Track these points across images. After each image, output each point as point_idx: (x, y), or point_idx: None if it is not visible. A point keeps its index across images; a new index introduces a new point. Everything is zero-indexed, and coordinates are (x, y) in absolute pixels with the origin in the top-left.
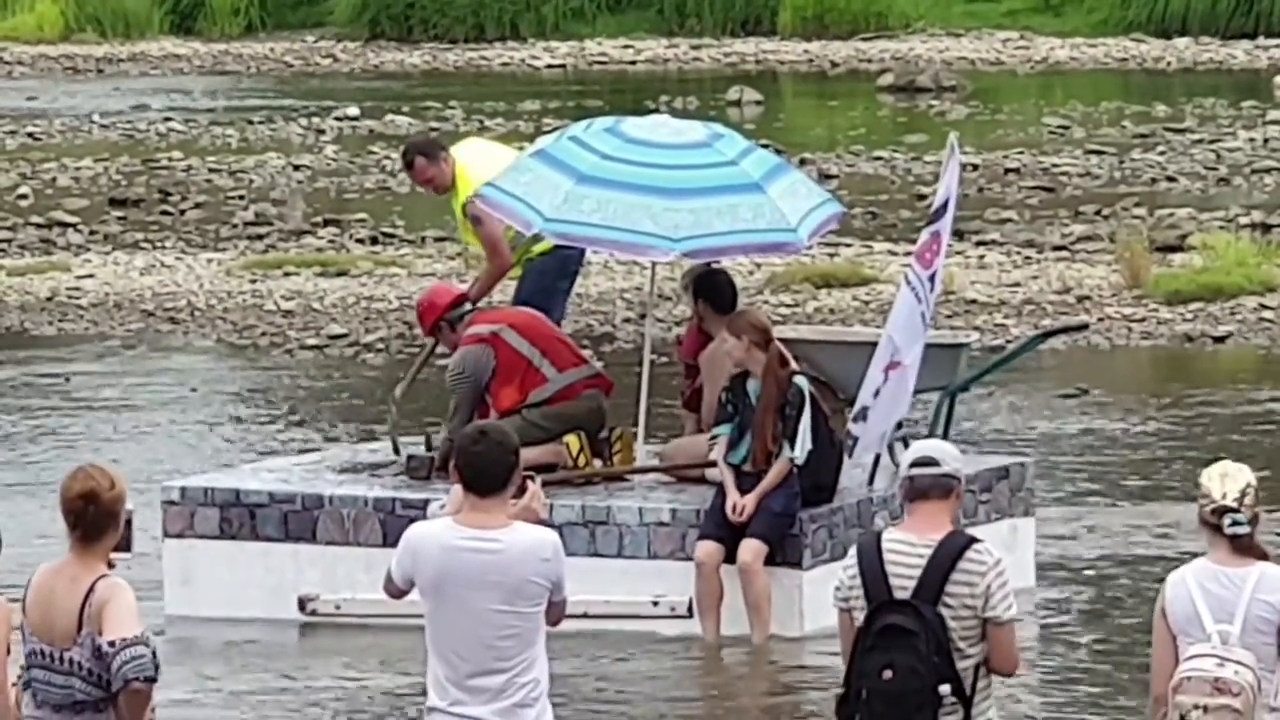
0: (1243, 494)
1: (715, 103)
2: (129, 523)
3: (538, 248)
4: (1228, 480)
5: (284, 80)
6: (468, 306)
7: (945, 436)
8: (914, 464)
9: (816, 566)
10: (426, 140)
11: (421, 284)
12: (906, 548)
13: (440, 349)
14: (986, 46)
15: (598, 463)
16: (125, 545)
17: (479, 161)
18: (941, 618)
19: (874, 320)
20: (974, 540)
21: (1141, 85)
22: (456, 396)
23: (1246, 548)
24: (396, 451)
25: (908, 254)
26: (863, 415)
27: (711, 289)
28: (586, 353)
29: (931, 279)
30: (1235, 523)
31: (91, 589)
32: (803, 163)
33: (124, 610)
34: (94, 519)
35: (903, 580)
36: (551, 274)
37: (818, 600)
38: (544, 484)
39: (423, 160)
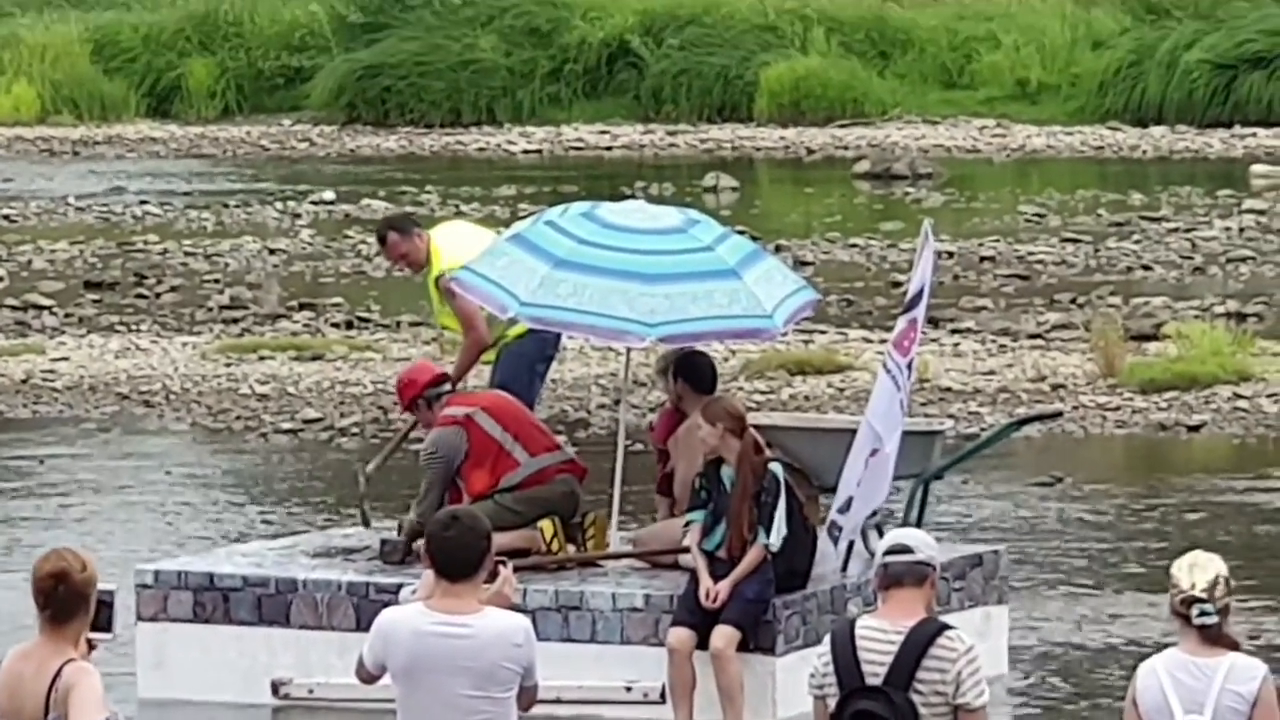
0: (1212, 585)
1: (691, 189)
2: (111, 603)
3: (513, 331)
4: (1197, 571)
5: (260, 164)
6: (447, 386)
7: (919, 524)
8: (888, 551)
9: (790, 653)
10: (400, 216)
11: (397, 368)
12: (879, 634)
13: (417, 430)
14: (963, 134)
15: (571, 548)
16: (106, 625)
17: (455, 241)
18: (913, 704)
19: (849, 407)
20: (946, 627)
21: (1118, 173)
22: (428, 477)
23: (1217, 638)
24: (366, 524)
25: (883, 341)
26: (846, 505)
27: (691, 369)
28: (561, 438)
29: (909, 366)
30: (1203, 613)
31: (59, 673)
32: (778, 249)
33: (90, 695)
34: (64, 600)
35: (875, 667)
36: (528, 358)
37: (791, 687)
38: (517, 569)
39: (395, 235)
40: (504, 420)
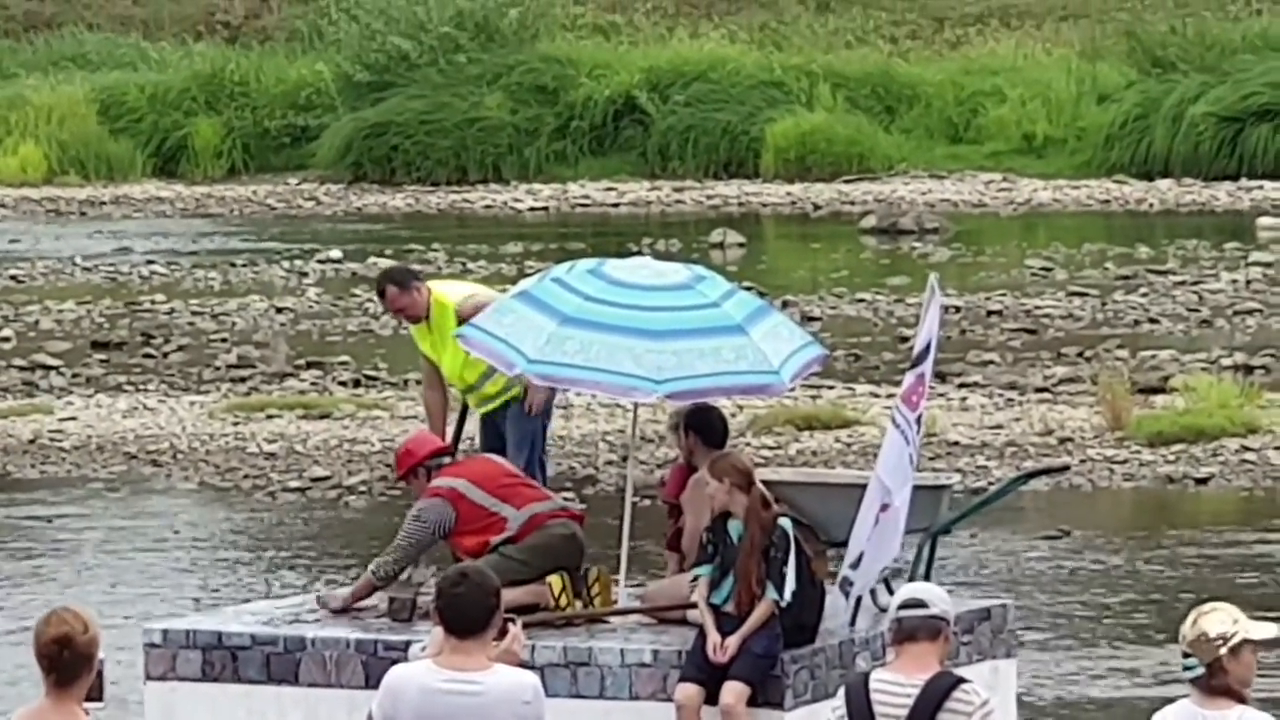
0: (1198, 638)
1: (698, 245)
2: (100, 672)
3: (516, 389)
4: (1190, 624)
5: (266, 223)
6: (446, 459)
7: (927, 578)
8: (902, 605)
9: (798, 707)
10: (399, 269)
11: (405, 426)
12: (894, 688)
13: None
14: (969, 188)
15: (579, 604)
16: (98, 695)
17: (456, 289)
18: None
19: (856, 463)
20: (961, 680)
21: (1124, 227)
22: (404, 538)
23: (1223, 690)
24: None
25: (890, 396)
26: (858, 561)
27: (703, 423)
28: (569, 494)
29: (918, 421)
30: (1187, 667)
31: None
32: (785, 305)
33: None
34: (69, 663)
35: None
36: (544, 421)
37: None
38: (525, 625)
39: (394, 289)
40: (489, 487)
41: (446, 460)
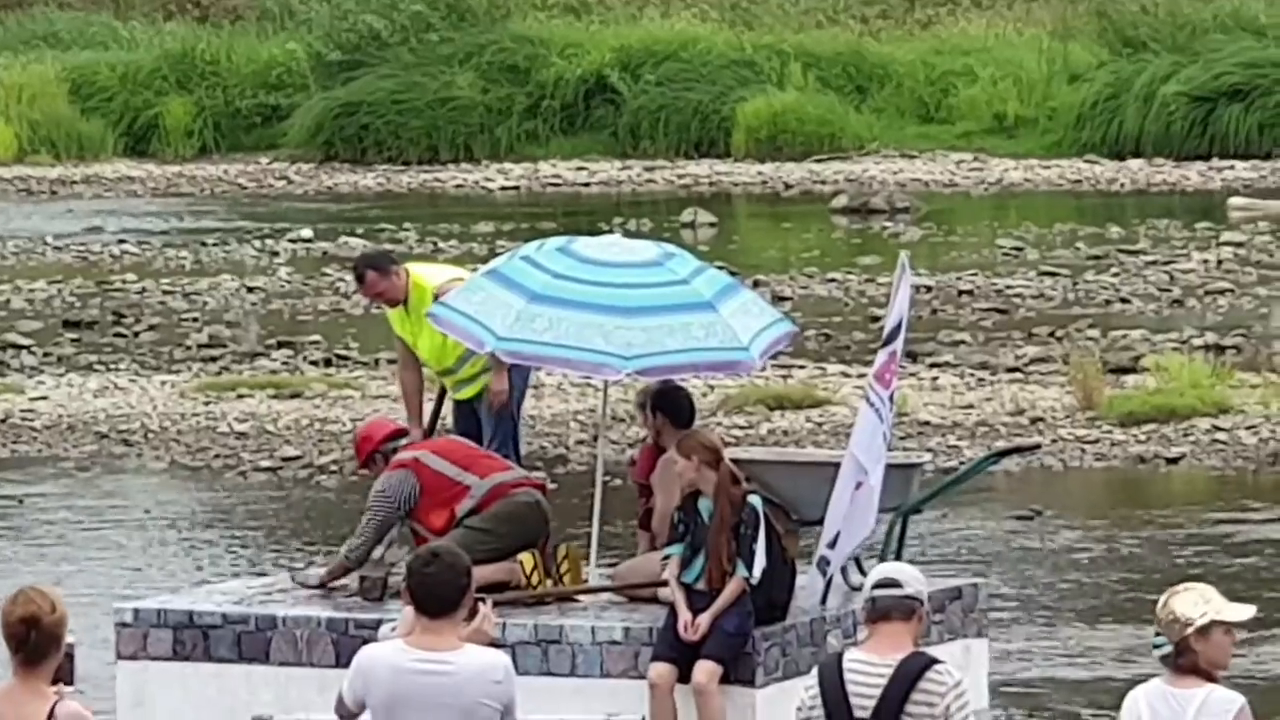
0: (1168, 618)
1: (669, 224)
2: (70, 655)
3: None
4: (1162, 604)
5: (238, 202)
6: (404, 440)
7: (898, 558)
8: (876, 585)
9: (770, 685)
10: (377, 252)
11: (376, 406)
12: (867, 668)
13: None
14: (940, 168)
15: (550, 582)
16: (69, 678)
17: (435, 272)
18: None
19: (828, 442)
20: (935, 661)
21: (1095, 207)
22: (369, 516)
23: (1191, 669)
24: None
25: (861, 375)
26: (834, 540)
27: (669, 404)
28: (540, 474)
29: (890, 399)
30: (1156, 645)
31: (51, 714)
32: (756, 284)
33: None
34: (36, 643)
35: (863, 700)
36: (515, 394)
37: (771, 719)
38: (496, 603)
39: (374, 274)
40: (452, 457)
41: (403, 442)
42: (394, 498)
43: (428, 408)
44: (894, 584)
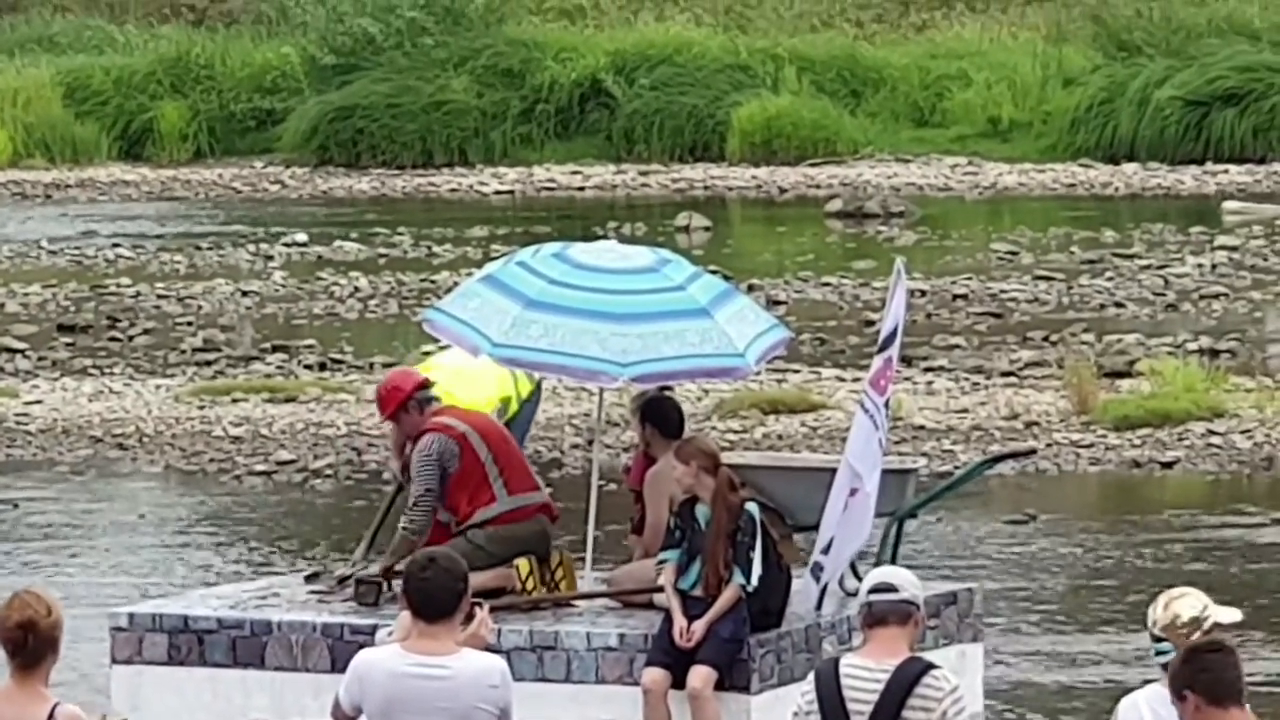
0: (1171, 623)
1: (664, 228)
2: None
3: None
4: (1161, 608)
5: (232, 206)
6: (434, 390)
7: (893, 562)
8: (873, 590)
9: (764, 691)
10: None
11: (370, 410)
12: (864, 673)
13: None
14: (935, 172)
15: (545, 588)
16: None
17: (457, 387)
18: None
19: (822, 446)
20: (931, 666)
21: (1090, 211)
22: (420, 482)
23: None
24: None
25: (856, 380)
26: (828, 546)
27: (658, 414)
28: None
29: (885, 405)
30: (1159, 652)
31: (51, 716)
32: (751, 289)
33: None
34: (33, 648)
35: (860, 705)
36: (534, 406)
37: None
38: (492, 609)
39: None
40: (493, 446)
41: (433, 392)
42: (441, 459)
43: None
44: (890, 589)
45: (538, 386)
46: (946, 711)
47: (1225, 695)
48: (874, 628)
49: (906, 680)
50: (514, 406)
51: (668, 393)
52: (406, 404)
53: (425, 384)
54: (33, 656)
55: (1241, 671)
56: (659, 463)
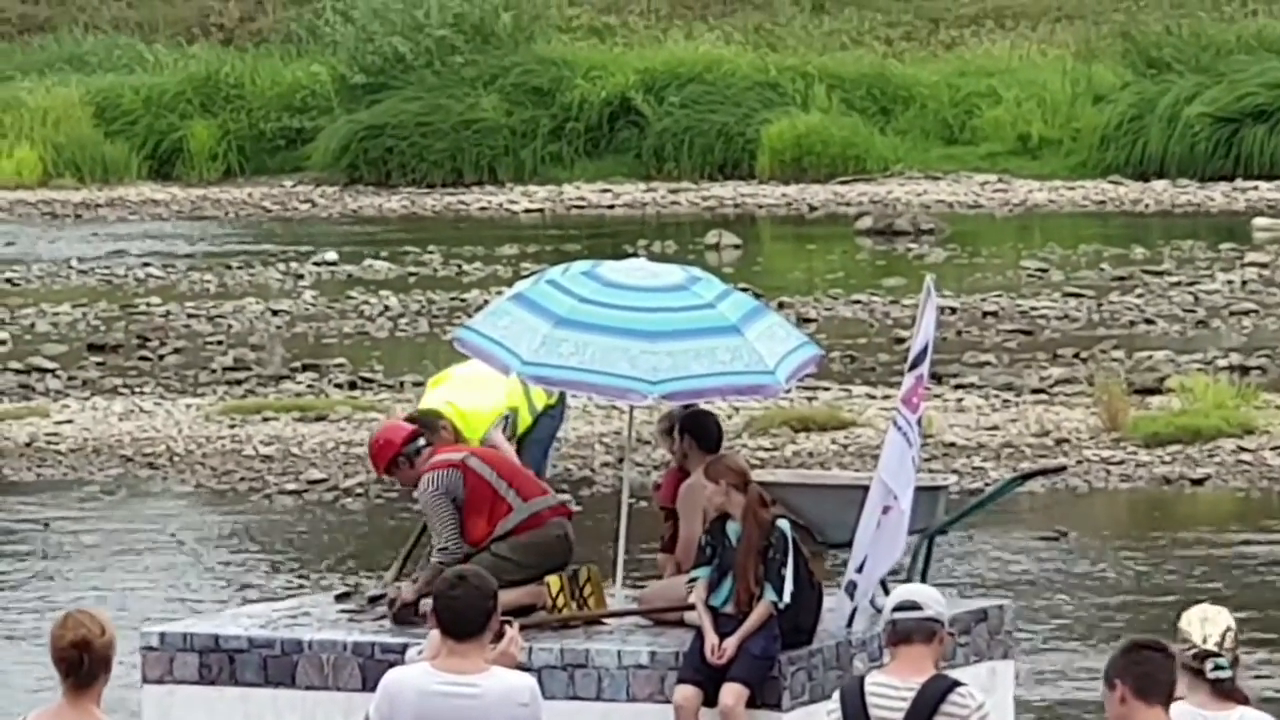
0: (1224, 637)
1: (694, 246)
2: None
3: (544, 401)
4: (1208, 624)
5: (262, 225)
6: (423, 441)
7: (924, 579)
8: (897, 608)
9: (795, 708)
10: (421, 416)
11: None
12: (890, 691)
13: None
14: (964, 189)
15: (574, 605)
16: None
17: (462, 395)
18: None
19: (853, 464)
20: (957, 684)
21: (1120, 228)
22: (437, 517)
23: (1228, 692)
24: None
25: (886, 397)
26: (861, 565)
27: (697, 427)
28: (565, 496)
29: (918, 422)
30: (1218, 667)
31: None
32: (781, 306)
33: None
34: (89, 668)
35: None
36: (557, 420)
37: None
38: (522, 627)
39: (425, 434)
40: (495, 466)
41: (423, 443)
42: (445, 491)
43: None
44: (914, 606)
45: (560, 401)
46: None
47: (1152, 692)
48: (899, 645)
49: (933, 699)
50: (526, 418)
51: (704, 407)
52: (397, 459)
53: (415, 435)
54: (88, 677)
55: (1175, 679)
56: (693, 475)
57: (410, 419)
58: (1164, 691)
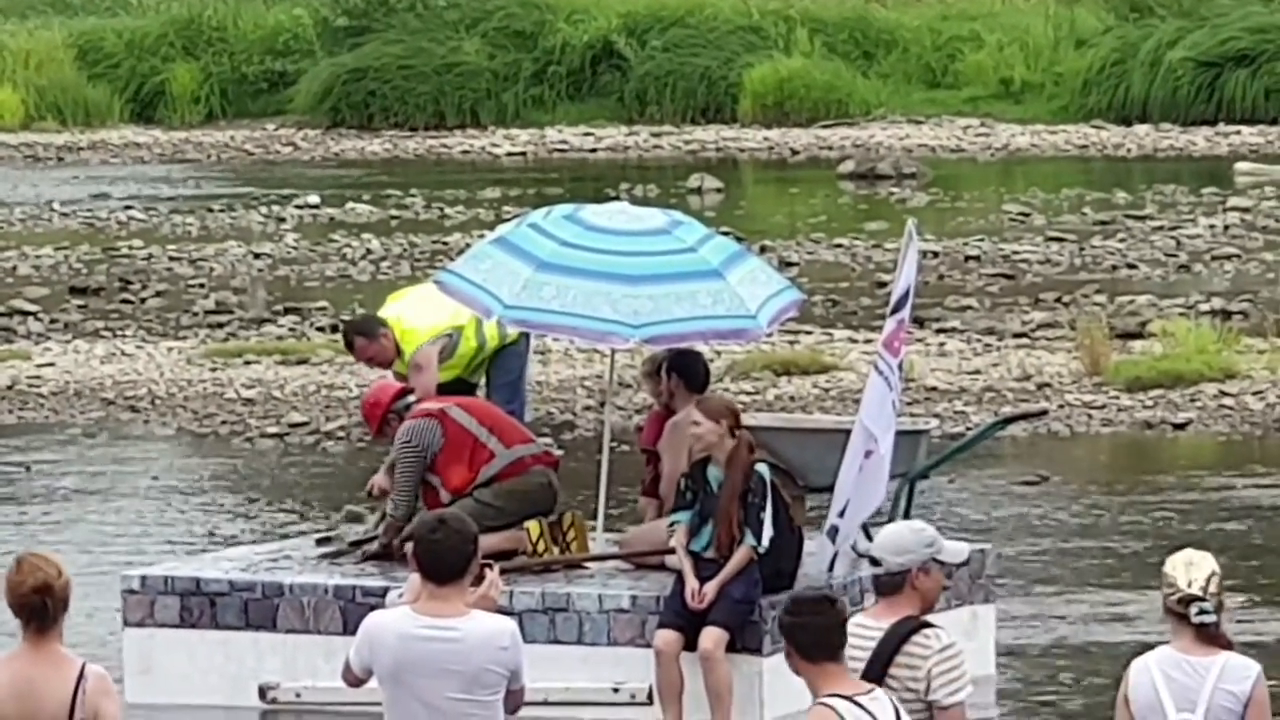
0: (1208, 582)
1: (676, 190)
2: None
3: (513, 335)
4: (1193, 569)
5: (244, 168)
6: (412, 398)
7: None
8: (871, 562)
9: (776, 653)
10: (364, 319)
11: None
12: (864, 631)
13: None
14: (947, 133)
15: (556, 549)
16: None
17: (410, 311)
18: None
19: (835, 408)
20: (924, 625)
21: (1102, 172)
22: (402, 469)
23: (1212, 636)
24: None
25: (868, 341)
26: (844, 509)
27: (685, 367)
28: (547, 440)
29: (899, 366)
30: (1202, 611)
31: (82, 674)
32: (763, 250)
33: (119, 712)
34: (51, 610)
35: (855, 663)
36: (522, 357)
37: (778, 687)
38: (503, 571)
39: (362, 340)
40: (477, 414)
41: (413, 399)
42: (420, 445)
43: None
44: (874, 562)
45: (523, 339)
46: (932, 669)
47: (815, 651)
48: (878, 593)
49: (896, 639)
50: (471, 342)
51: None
52: (388, 417)
53: (403, 392)
54: (51, 619)
55: (841, 635)
56: (679, 414)
57: (351, 323)
58: (830, 646)
